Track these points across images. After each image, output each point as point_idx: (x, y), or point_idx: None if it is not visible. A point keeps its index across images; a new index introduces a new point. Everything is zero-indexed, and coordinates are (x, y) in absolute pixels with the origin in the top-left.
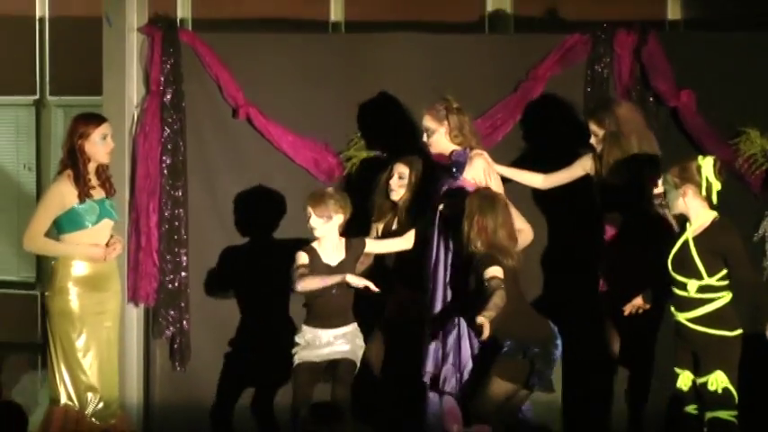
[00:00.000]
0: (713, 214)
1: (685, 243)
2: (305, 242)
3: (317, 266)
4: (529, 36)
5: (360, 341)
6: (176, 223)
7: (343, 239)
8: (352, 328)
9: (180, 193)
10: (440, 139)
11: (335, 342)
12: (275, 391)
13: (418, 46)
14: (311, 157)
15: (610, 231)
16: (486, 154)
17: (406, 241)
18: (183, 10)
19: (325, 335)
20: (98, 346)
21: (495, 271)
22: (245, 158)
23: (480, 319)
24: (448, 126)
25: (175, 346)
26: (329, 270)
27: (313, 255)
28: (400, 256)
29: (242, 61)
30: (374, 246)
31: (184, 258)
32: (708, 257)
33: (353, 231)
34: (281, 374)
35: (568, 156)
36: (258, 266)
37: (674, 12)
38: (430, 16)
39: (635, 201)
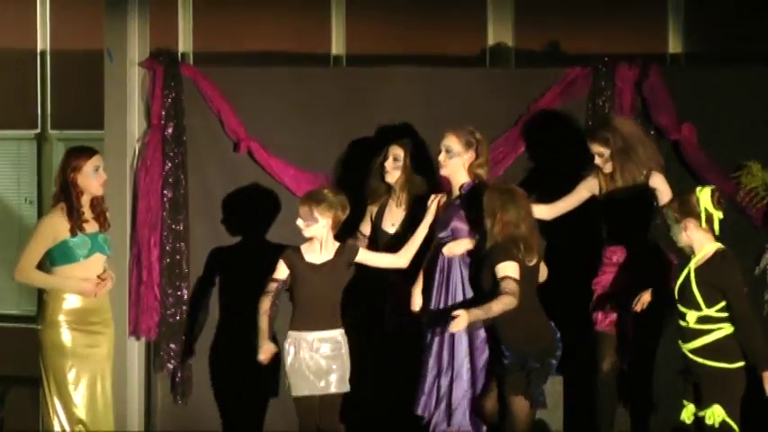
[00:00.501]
0: (716, 246)
1: (688, 274)
2: None
3: (299, 267)
4: (530, 70)
5: (345, 350)
6: (177, 257)
7: (338, 243)
8: (338, 334)
9: (181, 227)
10: (458, 165)
11: (321, 348)
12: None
13: (419, 80)
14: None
15: (618, 253)
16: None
17: (401, 259)
18: (185, 44)
19: (310, 336)
20: (90, 380)
21: (509, 269)
22: (246, 192)
23: (458, 312)
24: (474, 156)
25: (177, 379)
26: (312, 269)
27: (297, 256)
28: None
29: (243, 95)
30: (367, 256)
31: (185, 292)
32: (707, 289)
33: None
34: (282, 406)
35: (569, 182)
36: (257, 299)
37: (675, 45)
38: (431, 50)
39: (647, 219)
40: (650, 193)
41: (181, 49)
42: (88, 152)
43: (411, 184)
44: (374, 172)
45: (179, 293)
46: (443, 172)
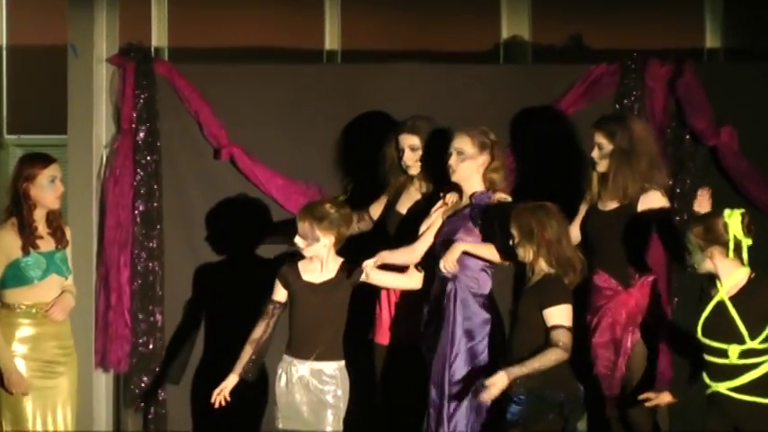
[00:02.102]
0: (746, 271)
1: (720, 305)
2: None
3: (295, 286)
4: (549, 67)
5: (345, 385)
6: (151, 278)
7: (341, 259)
8: (338, 366)
9: (155, 245)
10: (472, 169)
11: (317, 381)
12: None
13: (423, 77)
14: (303, 203)
15: (603, 279)
16: (509, 199)
17: (411, 280)
18: (159, 38)
19: (306, 366)
20: (51, 416)
21: (562, 315)
22: (228, 205)
23: (494, 379)
24: (489, 159)
25: (149, 416)
26: (310, 289)
27: (293, 273)
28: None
29: (225, 95)
30: (374, 276)
31: (159, 318)
32: (752, 319)
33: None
34: None
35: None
36: (243, 326)
37: (712, 40)
38: (437, 45)
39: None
40: (639, 215)
41: (154, 43)
42: (43, 160)
43: (432, 173)
44: (392, 167)
45: (152, 320)
46: (455, 177)
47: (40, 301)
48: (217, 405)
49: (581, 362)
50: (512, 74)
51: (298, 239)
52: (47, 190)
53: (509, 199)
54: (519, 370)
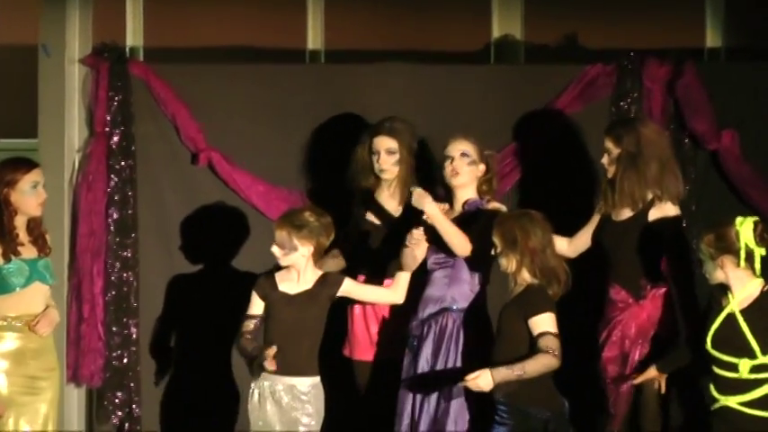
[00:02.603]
0: (760, 282)
1: (730, 317)
2: None
3: (271, 297)
4: (542, 67)
5: (320, 402)
6: (125, 289)
7: (320, 271)
8: (313, 383)
9: (129, 254)
10: (473, 175)
11: (291, 397)
12: None
13: (411, 79)
14: (285, 210)
15: (615, 291)
16: (504, 209)
17: (395, 294)
18: (134, 38)
19: (280, 381)
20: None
21: (546, 323)
22: (206, 212)
23: (482, 378)
24: (485, 169)
25: None
26: (285, 300)
27: (270, 284)
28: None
29: (203, 97)
30: (354, 289)
31: (134, 331)
32: (764, 333)
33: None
34: None
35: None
36: (221, 339)
37: (713, 39)
38: (425, 44)
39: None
40: (651, 225)
41: (129, 43)
42: (26, 165)
43: (407, 178)
44: (362, 170)
45: (127, 332)
46: (458, 181)
47: (26, 312)
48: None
49: (585, 376)
50: (503, 75)
51: (275, 248)
52: (28, 196)
53: (504, 208)
54: (506, 372)
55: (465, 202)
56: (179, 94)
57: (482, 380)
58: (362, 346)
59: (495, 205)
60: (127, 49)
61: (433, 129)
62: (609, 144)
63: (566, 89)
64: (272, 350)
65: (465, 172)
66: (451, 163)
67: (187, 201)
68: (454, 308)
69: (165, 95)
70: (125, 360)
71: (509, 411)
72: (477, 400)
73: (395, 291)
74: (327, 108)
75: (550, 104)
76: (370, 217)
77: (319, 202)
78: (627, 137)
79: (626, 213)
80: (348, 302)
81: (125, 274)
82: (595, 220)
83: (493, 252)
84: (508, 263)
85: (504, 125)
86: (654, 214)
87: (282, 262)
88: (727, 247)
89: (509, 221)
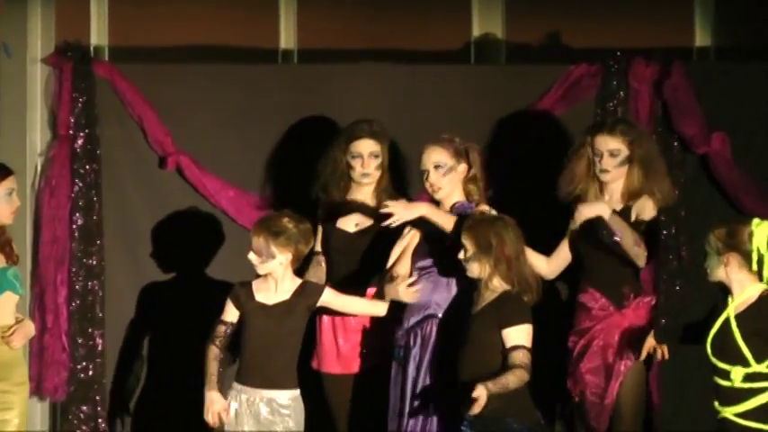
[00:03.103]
0: (761, 287)
1: (726, 322)
2: None
3: (247, 307)
4: (524, 67)
5: (299, 416)
6: (90, 299)
7: (300, 280)
8: (292, 396)
9: (94, 262)
10: (455, 182)
11: (269, 411)
12: None
13: (388, 79)
14: (257, 217)
15: (592, 298)
16: (493, 211)
17: (377, 307)
18: (99, 36)
19: (256, 394)
20: None
21: (522, 335)
22: (175, 219)
23: (479, 391)
24: (467, 167)
25: None
26: (262, 311)
27: (246, 293)
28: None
29: (171, 99)
30: (334, 299)
31: (100, 342)
32: (755, 341)
33: None
34: None
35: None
36: (192, 351)
37: (702, 38)
38: (402, 43)
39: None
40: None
41: (94, 42)
42: (2, 172)
43: (385, 184)
44: (339, 176)
45: (92, 344)
46: (439, 195)
47: None
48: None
49: (557, 389)
50: (484, 75)
51: (251, 256)
52: (4, 203)
53: (493, 212)
54: (493, 386)
55: (452, 207)
56: (146, 96)
57: (482, 399)
58: (329, 358)
59: (482, 208)
60: (91, 49)
61: (412, 132)
62: (616, 144)
63: (549, 90)
64: (219, 407)
65: (444, 183)
66: (428, 178)
67: (155, 206)
68: (438, 314)
69: (132, 97)
70: (90, 372)
71: (484, 424)
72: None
73: (377, 303)
74: (301, 110)
75: (533, 106)
76: (343, 224)
77: (291, 208)
78: (638, 138)
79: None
80: (316, 312)
81: (90, 283)
82: (564, 248)
83: (461, 256)
84: (480, 268)
85: (485, 128)
86: (635, 212)
87: (260, 270)
88: (737, 245)
89: (483, 225)
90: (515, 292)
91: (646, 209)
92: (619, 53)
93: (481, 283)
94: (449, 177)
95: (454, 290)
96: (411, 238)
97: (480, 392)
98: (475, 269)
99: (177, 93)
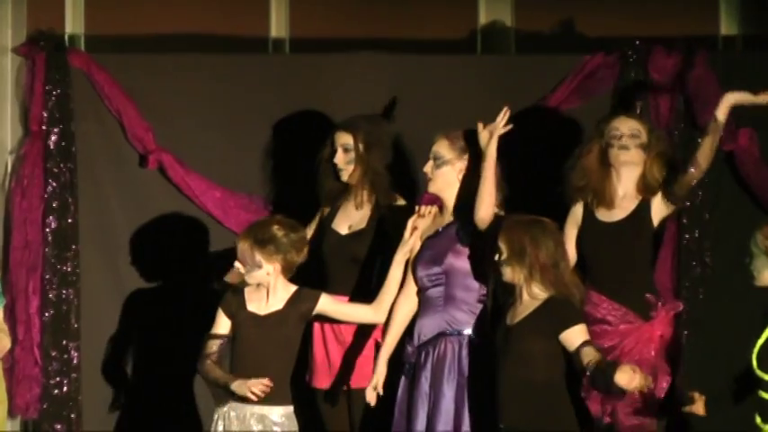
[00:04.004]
0: None
1: None
2: None
3: (239, 316)
4: (535, 58)
5: None
6: (64, 308)
7: (294, 287)
8: (285, 412)
9: (69, 268)
10: (451, 177)
11: (260, 427)
12: None
13: (387, 70)
14: (245, 220)
15: (609, 309)
16: (500, 212)
17: (377, 314)
18: (74, 24)
19: (247, 410)
20: None
21: (585, 333)
22: (157, 222)
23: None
24: (467, 166)
25: None
26: (254, 321)
27: (238, 301)
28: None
29: (153, 92)
30: (332, 306)
31: (75, 355)
32: None
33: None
34: None
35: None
36: (176, 367)
37: (728, 26)
38: (403, 32)
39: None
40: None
41: (69, 30)
42: None
43: (374, 182)
44: (324, 170)
45: (67, 357)
46: (431, 187)
47: None
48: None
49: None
50: (491, 66)
51: (237, 264)
52: None
53: (501, 212)
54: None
55: (455, 208)
56: (125, 89)
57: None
58: (321, 372)
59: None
60: (66, 37)
61: (412, 128)
62: (636, 125)
63: (562, 83)
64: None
65: (436, 177)
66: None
67: (135, 208)
68: (452, 332)
69: (110, 90)
70: (65, 388)
71: None
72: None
73: (377, 309)
74: (293, 104)
75: (544, 100)
76: (337, 225)
77: (284, 210)
78: (656, 131)
79: (620, 212)
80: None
81: (64, 292)
82: (571, 231)
83: (496, 257)
84: (513, 274)
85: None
86: (655, 210)
87: (247, 279)
88: None
89: (518, 228)
90: (563, 296)
91: (663, 207)
92: (638, 42)
93: (516, 291)
94: (442, 171)
95: (477, 305)
96: (414, 243)
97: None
98: (508, 274)
99: (159, 85)
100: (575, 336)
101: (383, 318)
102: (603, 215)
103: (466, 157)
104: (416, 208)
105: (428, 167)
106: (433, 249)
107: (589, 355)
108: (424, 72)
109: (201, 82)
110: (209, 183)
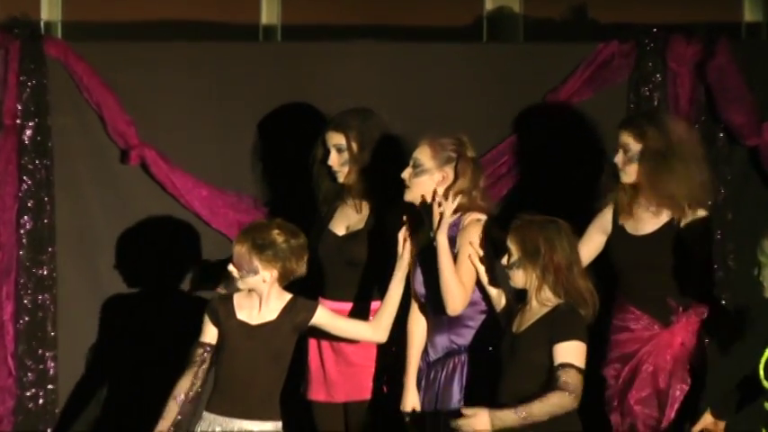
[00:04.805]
0: None
1: None
2: None
3: (227, 325)
4: (545, 46)
5: None
6: (40, 315)
7: (289, 296)
8: (274, 430)
9: (45, 272)
10: (427, 187)
11: None
12: None
13: (386, 59)
14: (234, 220)
15: (634, 318)
16: (483, 219)
17: (376, 333)
18: (51, 10)
19: (233, 426)
20: None
21: (574, 352)
22: (139, 223)
23: (472, 410)
24: (452, 177)
25: None
26: (244, 331)
27: (226, 309)
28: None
29: (135, 83)
30: (329, 320)
31: (52, 366)
32: None
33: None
34: None
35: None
36: (160, 377)
37: (752, 12)
38: (402, 19)
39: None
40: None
41: (45, 16)
42: None
43: (371, 181)
44: (318, 172)
45: (43, 368)
46: (407, 195)
47: None
48: None
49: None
50: (498, 55)
51: (231, 268)
52: None
53: (482, 217)
54: (508, 414)
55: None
56: (106, 79)
57: (479, 421)
58: (316, 383)
59: (473, 218)
60: (42, 24)
61: (412, 122)
62: (627, 138)
63: (573, 73)
64: None
65: (414, 185)
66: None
67: (116, 208)
68: (459, 350)
69: (89, 80)
70: (40, 401)
71: None
72: None
73: (376, 329)
74: (285, 95)
75: (555, 91)
76: (334, 226)
77: (275, 210)
78: (652, 130)
79: (649, 225)
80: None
81: (40, 297)
82: (592, 236)
83: (505, 261)
84: (525, 277)
85: (499, 116)
86: (685, 222)
87: (240, 285)
88: None
89: (532, 228)
90: (570, 305)
91: (696, 215)
92: (655, 29)
93: (526, 296)
94: (420, 180)
95: (474, 320)
96: (408, 258)
97: (479, 421)
98: (519, 278)
99: (142, 76)
100: (562, 351)
101: (383, 338)
102: (630, 227)
103: (449, 168)
104: (403, 218)
105: (406, 173)
106: (424, 266)
107: (557, 380)
108: (425, 62)
109: (187, 72)
110: (195, 180)
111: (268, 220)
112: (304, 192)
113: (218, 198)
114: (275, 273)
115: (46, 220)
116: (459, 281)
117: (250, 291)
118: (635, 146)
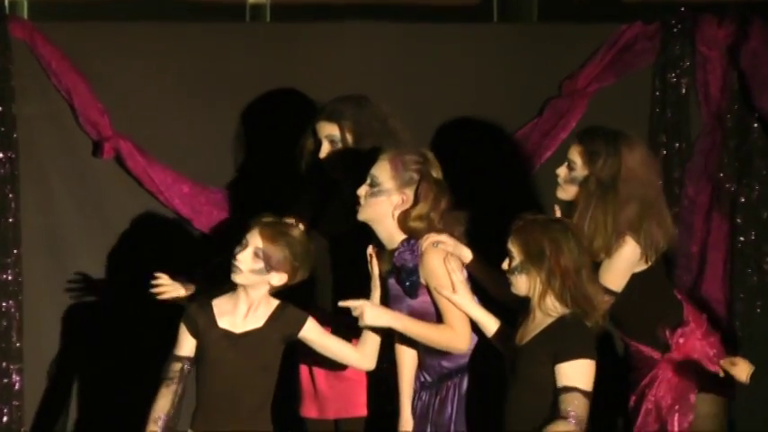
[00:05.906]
0: None
1: None
2: None
3: (207, 334)
4: (561, 27)
5: None
6: (4, 323)
7: (276, 303)
8: None
9: (9, 277)
10: (383, 209)
11: None
12: None
13: (383, 42)
14: (219, 219)
15: (637, 347)
16: (441, 237)
17: (363, 360)
18: None
19: None
20: None
21: (579, 373)
22: (113, 222)
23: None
24: (411, 201)
25: None
26: (227, 340)
27: (205, 316)
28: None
29: (109, 67)
30: (317, 336)
31: (17, 379)
32: None
33: None
34: None
35: None
36: (135, 392)
37: None
38: None
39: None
40: None
41: None
42: None
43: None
44: (308, 165)
45: (7, 382)
46: (360, 214)
47: None
48: None
49: None
50: (510, 36)
51: (244, 257)
52: None
53: (437, 237)
54: None
55: (392, 252)
56: (76, 64)
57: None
58: (307, 399)
59: (431, 240)
60: (6, 3)
61: (413, 111)
62: (577, 157)
63: (593, 56)
64: None
65: (368, 204)
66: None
67: (87, 205)
68: (450, 372)
69: (58, 65)
70: (5, 418)
71: None
72: None
73: (362, 355)
74: (274, 80)
75: (572, 77)
76: (327, 226)
77: (262, 207)
78: (603, 159)
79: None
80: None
81: (4, 304)
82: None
83: (506, 266)
84: (529, 283)
85: (511, 104)
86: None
87: (240, 278)
88: None
89: (534, 229)
90: (576, 318)
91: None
92: (683, 9)
93: (530, 305)
94: (375, 200)
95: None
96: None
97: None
98: (522, 284)
99: (117, 60)
100: (565, 373)
101: (370, 365)
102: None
103: (409, 191)
104: (370, 247)
105: (362, 191)
106: (392, 292)
107: (560, 408)
108: (428, 43)
109: (167, 55)
110: (175, 175)
111: (289, 219)
112: (294, 186)
113: (200, 195)
114: (285, 278)
115: (10, 219)
116: (449, 322)
117: (233, 295)
118: (581, 170)
